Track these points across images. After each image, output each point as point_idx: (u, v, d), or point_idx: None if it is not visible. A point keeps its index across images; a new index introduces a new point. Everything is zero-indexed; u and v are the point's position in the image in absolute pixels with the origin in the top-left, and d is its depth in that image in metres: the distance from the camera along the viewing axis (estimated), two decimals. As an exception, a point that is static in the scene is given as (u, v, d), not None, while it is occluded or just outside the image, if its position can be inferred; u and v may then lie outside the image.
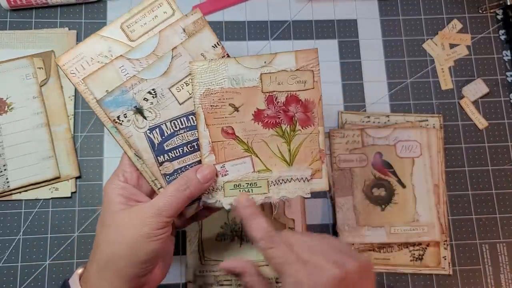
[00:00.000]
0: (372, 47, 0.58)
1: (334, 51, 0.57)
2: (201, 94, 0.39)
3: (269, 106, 0.40)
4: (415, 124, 0.55)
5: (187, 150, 0.39)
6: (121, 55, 0.38)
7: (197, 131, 0.39)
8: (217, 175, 0.39)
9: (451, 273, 0.51)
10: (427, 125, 0.55)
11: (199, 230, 0.51)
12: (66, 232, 0.50)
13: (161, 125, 0.38)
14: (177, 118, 0.39)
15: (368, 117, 0.55)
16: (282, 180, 0.40)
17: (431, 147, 0.53)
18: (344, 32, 0.58)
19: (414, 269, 0.51)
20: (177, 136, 0.39)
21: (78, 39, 0.55)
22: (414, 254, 0.51)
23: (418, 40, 0.58)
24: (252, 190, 0.40)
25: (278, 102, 0.40)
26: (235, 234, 0.51)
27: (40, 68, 0.52)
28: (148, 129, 0.38)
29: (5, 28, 0.54)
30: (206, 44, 0.38)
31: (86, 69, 0.38)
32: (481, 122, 0.56)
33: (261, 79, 0.40)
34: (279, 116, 0.40)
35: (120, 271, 0.35)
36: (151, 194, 0.40)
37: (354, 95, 0.56)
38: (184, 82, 0.38)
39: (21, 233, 0.50)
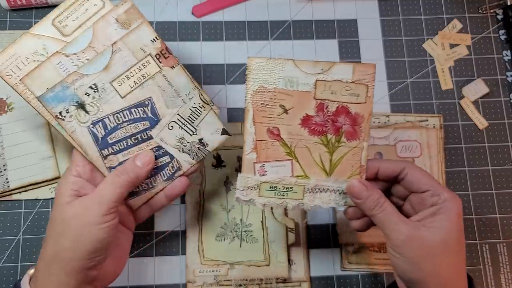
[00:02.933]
0: (372, 47, 0.58)
1: (334, 51, 0.57)
2: (253, 91, 0.40)
3: (318, 113, 0.40)
4: (415, 124, 0.55)
5: (131, 143, 0.40)
6: (57, 51, 0.37)
7: (243, 127, 0.39)
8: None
9: (451, 273, 0.51)
10: (427, 125, 0.55)
11: (199, 230, 0.51)
12: (66, 232, 0.50)
13: (104, 119, 0.39)
14: (120, 111, 0.39)
15: (368, 117, 0.55)
16: (318, 189, 0.40)
17: (431, 147, 0.53)
18: (344, 32, 0.58)
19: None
20: (121, 129, 0.39)
21: (78, 39, 0.55)
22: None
23: (418, 40, 0.58)
24: (287, 194, 0.40)
25: (328, 111, 0.40)
26: (235, 234, 0.51)
27: (40, 68, 0.52)
28: (91, 124, 0.39)
29: (5, 28, 0.54)
30: (145, 39, 0.39)
31: (22, 69, 0.38)
32: (481, 122, 0.56)
33: (315, 85, 0.40)
34: (326, 125, 0.40)
35: (66, 265, 0.35)
36: None
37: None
38: (125, 76, 0.38)
39: (21, 233, 0.50)
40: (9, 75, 0.37)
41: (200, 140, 0.40)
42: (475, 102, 0.57)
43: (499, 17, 0.59)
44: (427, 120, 0.55)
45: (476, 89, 0.56)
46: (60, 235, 0.35)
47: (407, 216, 0.38)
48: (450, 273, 0.36)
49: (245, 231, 0.51)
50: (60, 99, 0.38)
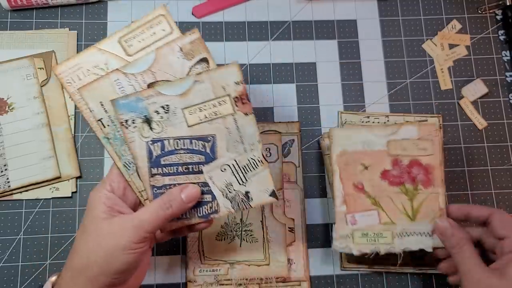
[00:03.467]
0: (372, 47, 0.58)
1: (334, 51, 0.57)
2: (337, 154, 0.47)
3: (394, 167, 0.47)
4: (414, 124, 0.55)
5: (181, 171, 0.39)
6: (117, 69, 0.38)
7: (333, 184, 0.46)
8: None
9: (450, 272, 0.52)
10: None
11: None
12: (66, 232, 0.51)
13: (164, 140, 0.39)
14: (181, 138, 0.39)
15: (368, 117, 0.55)
16: (406, 233, 0.46)
17: (431, 147, 0.53)
18: (344, 32, 0.58)
19: (414, 269, 0.51)
20: (176, 155, 0.39)
21: (79, 40, 0.55)
22: (414, 254, 0.51)
23: (417, 40, 0.58)
24: (378, 239, 0.46)
25: (402, 164, 0.47)
26: (235, 234, 0.51)
27: (40, 68, 0.53)
28: (151, 140, 0.39)
29: (5, 29, 0.55)
30: (230, 79, 0.39)
31: (81, 79, 0.38)
32: (480, 122, 0.56)
33: (388, 144, 0.48)
34: (403, 177, 0.47)
35: (93, 279, 0.35)
36: (136, 207, 0.40)
37: (353, 95, 0.56)
38: (199, 107, 0.38)
39: (21, 233, 0.50)
40: (69, 83, 0.39)
41: (247, 192, 0.40)
42: (475, 102, 0.57)
43: (498, 17, 0.59)
44: (426, 120, 0.55)
45: (476, 89, 0.57)
46: (91, 251, 0.36)
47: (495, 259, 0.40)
48: None
49: (245, 230, 0.51)
50: (131, 109, 0.38)
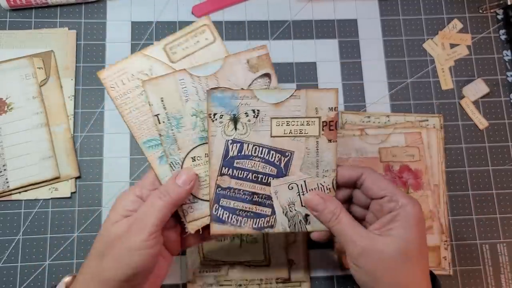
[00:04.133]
0: (372, 47, 0.58)
1: (334, 51, 0.57)
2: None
3: (386, 172, 0.51)
4: (415, 124, 0.54)
5: (250, 178, 0.40)
6: (184, 69, 0.39)
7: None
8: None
9: (451, 273, 0.51)
10: (427, 125, 0.55)
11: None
12: (66, 232, 0.50)
13: (244, 144, 0.39)
14: (261, 146, 0.39)
15: (368, 117, 0.55)
16: None
17: (431, 147, 0.53)
18: (344, 32, 0.58)
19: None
20: (250, 161, 0.39)
21: (78, 39, 0.55)
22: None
23: (418, 40, 0.58)
24: None
25: (394, 170, 0.51)
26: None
27: (39, 68, 0.52)
28: (232, 140, 0.39)
29: (4, 28, 0.54)
30: (325, 103, 0.39)
31: (125, 84, 0.39)
32: (481, 122, 0.56)
33: (379, 152, 0.51)
34: (395, 181, 0.51)
35: (105, 284, 0.35)
36: None
37: (354, 95, 0.56)
38: (287, 121, 0.39)
39: (21, 233, 0.50)
40: (113, 87, 0.39)
41: (306, 215, 0.40)
42: (476, 102, 0.57)
43: (499, 17, 0.59)
44: (427, 120, 0.55)
45: (476, 89, 0.56)
46: (103, 254, 0.35)
47: (370, 225, 0.38)
48: (410, 281, 0.35)
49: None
50: (223, 104, 0.39)
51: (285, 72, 0.56)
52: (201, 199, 0.39)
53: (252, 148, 0.39)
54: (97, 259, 0.36)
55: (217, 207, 0.39)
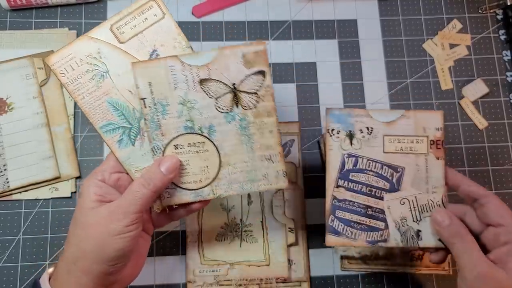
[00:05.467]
0: (372, 47, 0.58)
1: (334, 51, 0.57)
2: None
3: None
4: (415, 124, 0.55)
5: (365, 191, 0.42)
6: (176, 56, 0.37)
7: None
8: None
9: (451, 273, 0.51)
10: (427, 125, 0.55)
11: (199, 230, 0.51)
12: (66, 232, 0.50)
13: (359, 157, 0.42)
14: (375, 161, 0.42)
15: (368, 117, 0.55)
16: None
17: (431, 147, 0.53)
18: (344, 32, 0.58)
19: (414, 269, 0.51)
20: (365, 174, 0.42)
21: (78, 39, 0.55)
22: (414, 254, 0.51)
23: (418, 40, 0.58)
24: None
25: None
26: (235, 234, 0.51)
27: (40, 68, 0.52)
28: (347, 154, 0.42)
29: (5, 28, 0.54)
30: (432, 123, 0.42)
31: (75, 69, 0.38)
32: (481, 122, 0.56)
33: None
34: None
35: (87, 268, 0.35)
36: None
37: (354, 95, 0.56)
38: (398, 139, 0.42)
39: (21, 233, 0.50)
40: (62, 73, 0.38)
41: (418, 231, 0.41)
42: (475, 102, 0.57)
43: (499, 17, 0.59)
44: (427, 120, 0.55)
45: (476, 89, 0.56)
46: (82, 240, 0.35)
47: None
48: None
49: (245, 231, 0.51)
50: (340, 120, 0.42)
51: (285, 72, 0.56)
52: (180, 187, 0.39)
53: (366, 162, 0.42)
54: (76, 245, 0.36)
55: (332, 218, 0.41)
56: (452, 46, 0.58)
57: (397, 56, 0.58)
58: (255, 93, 0.38)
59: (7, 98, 0.51)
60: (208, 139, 0.38)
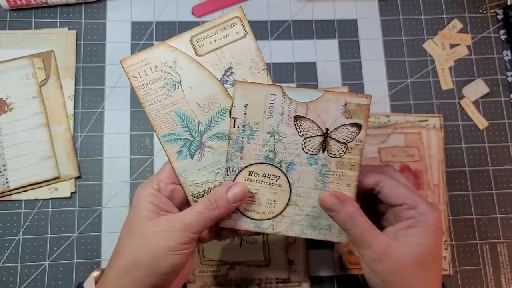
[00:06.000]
0: (372, 47, 0.58)
1: (334, 51, 0.57)
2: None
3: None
4: (415, 124, 0.54)
5: None
6: (280, 86, 0.37)
7: None
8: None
9: (451, 273, 0.51)
10: (428, 125, 0.55)
11: (199, 230, 0.51)
12: (66, 232, 0.50)
13: None
14: None
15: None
16: None
17: (431, 147, 0.53)
18: (344, 32, 0.58)
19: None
20: None
21: (78, 39, 0.55)
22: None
23: (418, 40, 0.58)
24: None
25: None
26: (235, 234, 0.51)
27: (40, 68, 0.52)
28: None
29: (5, 28, 0.54)
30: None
31: (148, 75, 0.38)
32: (481, 122, 0.56)
33: (379, 152, 0.52)
34: None
35: (139, 280, 0.35)
36: (182, 206, 0.39)
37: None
38: None
39: (21, 233, 0.50)
40: (135, 77, 0.38)
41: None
42: (475, 102, 0.57)
43: (499, 17, 0.59)
44: (427, 120, 0.55)
45: (476, 89, 0.56)
46: (138, 251, 0.35)
47: (387, 225, 0.37)
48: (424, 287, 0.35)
49: (245, 231, 0.50)
50: None
51: (285, 72, 0.56)
52: (243, 214, 0.38)
53: None
54: (131, 255, 0.35)
55: None
56: (452, 46, 0.58)
57: (397, 56, 0.58)
58: (345, 143, 0.37)
59: (6, 98, 0.51)
60: (285, 174, 0.38)
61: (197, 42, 0.38)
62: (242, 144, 0.38)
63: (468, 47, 0.58)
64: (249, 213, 0.38)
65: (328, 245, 0.52)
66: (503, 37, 0.59)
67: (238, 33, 0.38)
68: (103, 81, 0.54)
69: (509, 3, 0.58)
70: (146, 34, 0.56)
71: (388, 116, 0.55)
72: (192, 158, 0.38)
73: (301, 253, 0.51)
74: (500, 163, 0.55)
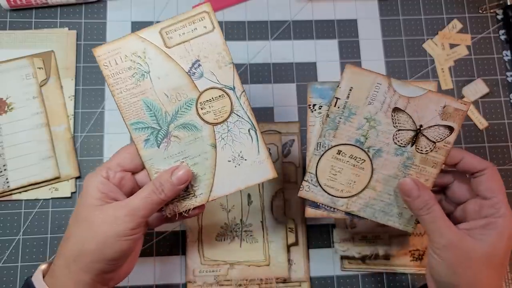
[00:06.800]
0: (372, 47, 0.58)
1: (334, 51, 0.57)
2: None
3: None
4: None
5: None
6: (389, 77, 0.39)
7: None
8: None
9: (451, 273, 0.51)
10: (427, 125, 0.55)
11: (199, 230, 0.51)
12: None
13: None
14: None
15: (368, 117, 0.55)
16: None
17: (431, 147, 0.53)
18: (344, 32, 0.58)
19: (414, 269, 0.51)
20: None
21: (78, 39, 0.55)
22: (414, 254, 0.51)
23: (418, 40, 0.58)
24: (377, 241, 0.51)
25: None
26: (235, 234, 0.51)
27: (40, 68, 0.52)
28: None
29: (5, 28, 0.54)
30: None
31: (118, 64, 0.38)
32: (481, 122, 0.56)
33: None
34: None
35: (87, 266, 0.35)
36: (130, 194, 0.39)
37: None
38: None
39: (21, 233, 0.50)
40: (106, 66, 0.38)
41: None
42: (475, 102, 0.57)
43: (499, 17, 0.59)
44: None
45: (476, 89, 0.56)
46: (85, 238, 0.35)
47: (456, 223, 0.37)
48: (489, 286, 0.36)
49: (245, 231, 0.51)
50: (322, 95, 0.41)
51: (285, 73, 0.56)
52: (321, 187, 0.41)
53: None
54: (78, 243, 0.36)
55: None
56: (452, 46, 0.58)
57: (397, 56, 0.58)
58: (434, 142, 0.39)
59: (7, 98, 0.51)
60: (370, 160, 0.40)
61: (167, 34, 0.39)
62: (338, 124, 0.40)
63: (468, 47, 0.58)
64: (328, 189, 0.41)
65: (328, 245, 0.52)
66: (502, 37, 0.59)
67: (206, 27, 0.39)
68: (103, 81, 0.54)
69: (509, 3, 0.58)
70: (146, 34, 0.56)
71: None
72: (158, 147, 0.39)
73: (301, 253, 0.51)
74: (500, 163, 0.55)
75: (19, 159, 0.50)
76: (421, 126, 0.39)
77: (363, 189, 0.40)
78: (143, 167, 0.40)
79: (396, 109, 0.39)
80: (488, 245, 0.35)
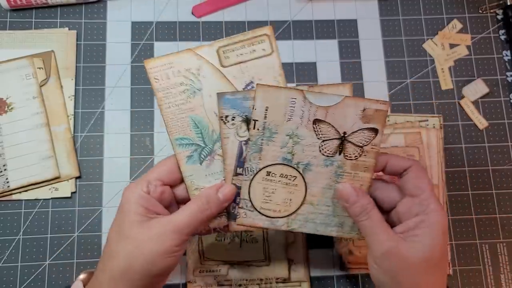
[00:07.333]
0: (372, 47, 0.58)
1: (334, 51, 0.57)
2: None
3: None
4: (415, 124, 0.55)
5: None
6: (302, 90, 0.38)
7: None
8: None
9: (451, 273, 0.51)
10: (427, 125, 0.55)
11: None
12: (66, 232, 0.50)
13: None
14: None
15: (368, 117, 0.55)
16: None
17: (431, 147, 0.53)
18: (344, 32, 0.58)
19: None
20: None
21: (78, 39, 0.55)
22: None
23: (418, 40, 0.58)
24: None
25: None
26: (235, 235, 0.50)
27: (40, 68, 0.52)
28: (245, 141, 0.39)
29: (5, 28, 0.54)
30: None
31: (170, 79, 0.38)
32: (481, 122, 0.56)
33: None
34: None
35: (134, 284, 0.35)
36: (170, 207, 0.39)
37: (354, 95, 0.56)
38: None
39: (21, 233, 0.50)
40: (157, 79, 0.38)
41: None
42: (475, 102, 0.57)
43: (499, 17, 0.59)
44: (427, 120, 0.55)
45: (476, 89, 0.56)
46: (133, 256, 0.35)
47: (391, 225, 0.37)
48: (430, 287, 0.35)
49: (245, 231, 0.50)
50: (235, 106, 0.39)
51: (285, 72, 0.56)
52: (259, 211, 0.39)
53: None
54: (125, 260, 0.35)
55: (234, 206, 0.40)
56: (452, 46, 0.58)
57: (397, 56, 0.58)
58: (361, 146, 0.38)
59: (7, 98, 0.51)
60: (301, 175, 0.39)
61: (224, 53, 0.39)
62: (261, 145, 0.38)
63: (468, 47, 0.58)
64: (265, 211, 0.39)
65: (328, 245, 0.52)
66: (502, 37, 0.59)
67: (264, 50, 0.39)
68: (103, 81, 0.54)
69: (509, 3, 0.58)
70: (146, 34, 0.56)
71: (387, 116, 0.55)
72: (201, 164, 0.39)
73: (301, 253, 0.51)
74: (500, 163, 0.55)
75: (19, 159, 0.50)
76: (344, 133, 0.38)
77: (301, 205, 0.39)
78: (181, 181, 0.39)
79: (316, 121, 0.38)
80: (424, 247, 0.35)
